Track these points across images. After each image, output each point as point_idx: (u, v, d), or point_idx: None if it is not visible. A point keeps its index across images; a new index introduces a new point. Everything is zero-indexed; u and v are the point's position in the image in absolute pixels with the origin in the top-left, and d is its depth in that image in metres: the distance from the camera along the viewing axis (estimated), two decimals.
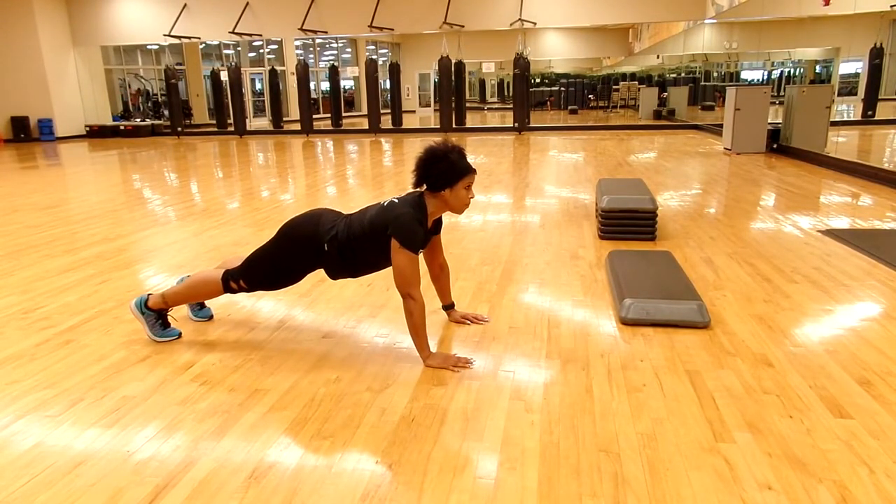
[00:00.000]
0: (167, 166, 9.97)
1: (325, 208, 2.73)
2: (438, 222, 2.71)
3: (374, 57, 19.65)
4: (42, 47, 15.24)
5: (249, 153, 11.80)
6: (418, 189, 2.54)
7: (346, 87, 24.73)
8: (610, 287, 3.35)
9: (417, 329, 2.47)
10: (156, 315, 2.78)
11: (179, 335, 2.83)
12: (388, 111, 17.87)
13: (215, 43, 19.13)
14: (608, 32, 24.34)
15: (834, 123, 11.40)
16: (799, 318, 2.93)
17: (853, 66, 21.24)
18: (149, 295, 2.80)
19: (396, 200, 2.51)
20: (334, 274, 2.70)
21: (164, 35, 15.52)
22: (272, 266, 2.66)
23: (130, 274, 3.90)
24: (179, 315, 2.96)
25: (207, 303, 3.08)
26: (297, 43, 21.62)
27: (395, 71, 17.13)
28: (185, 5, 15.35)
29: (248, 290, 2.72)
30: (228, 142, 14.56)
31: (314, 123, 16.01)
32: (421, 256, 2.57)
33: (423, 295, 2.49)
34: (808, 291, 3.29)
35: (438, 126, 15.21)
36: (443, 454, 1.89)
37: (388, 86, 19.05)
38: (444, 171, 2.45)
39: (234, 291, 2.72)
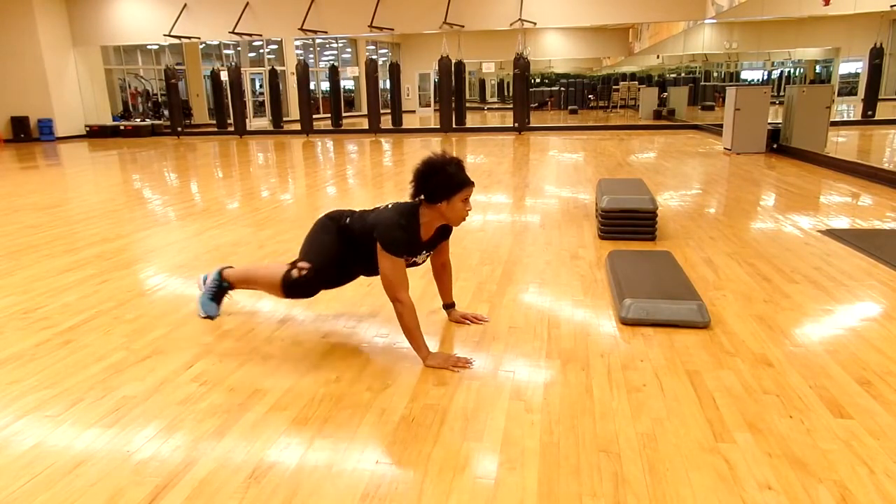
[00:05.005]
0: (167, 166, 9.96)
1: (335, 211, 2.74)
2: (448, 227, 2.70)
3: (374, 57, 19.65)
4: (42, 47, 15.23)
5: (249, 153, 11.80)
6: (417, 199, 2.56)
7: (347, 88, 24.73)
8: (610, 287, 3.35)
9: (411, 331, 2.48)
10: (219, 286, 2.88)
11: (214, 317, 2.92)
12: (388, 111, 17.87)
13: (215, 43, 19.13)
14: (608, 32, 24.34)
15: (834, 123, 11.39)
16: (799, 318, 2.93)
17: (853, 66, 21.26)
18: (227, 267, 2.91)
19: (390, 206, 2.55)
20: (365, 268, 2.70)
21: (164, 35, 15.52)
22: (330, 260, 2.65)
23: (130, 274, 3.90)
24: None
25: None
26: (297, 43, 21.62)
27: (395, 71, 17.14)
28: (185, 5, 15.35)
29: (309, 280, 2.57)
30: (228, 142, 14.56)
31: (314, 123, 16.01)
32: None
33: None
34: (808, 291, 3.29)
35: (438, 126, 15.21)
36: (443, 454, 1.89)
37: (388, 86, 19.05)
38: (441, 184, 2.44)
39: (293, 279, 2.56)
